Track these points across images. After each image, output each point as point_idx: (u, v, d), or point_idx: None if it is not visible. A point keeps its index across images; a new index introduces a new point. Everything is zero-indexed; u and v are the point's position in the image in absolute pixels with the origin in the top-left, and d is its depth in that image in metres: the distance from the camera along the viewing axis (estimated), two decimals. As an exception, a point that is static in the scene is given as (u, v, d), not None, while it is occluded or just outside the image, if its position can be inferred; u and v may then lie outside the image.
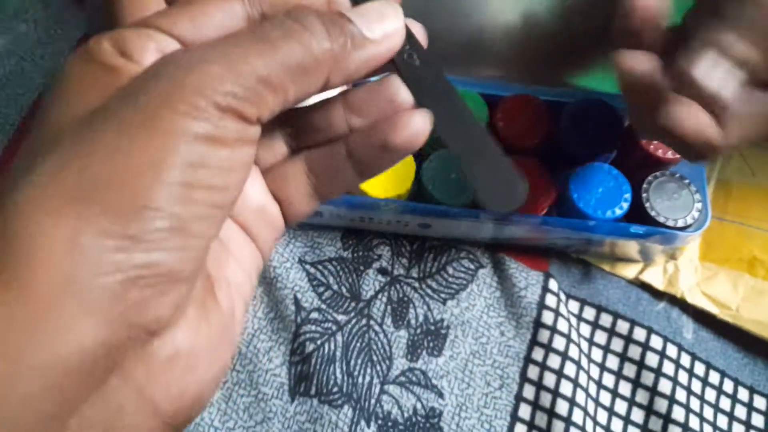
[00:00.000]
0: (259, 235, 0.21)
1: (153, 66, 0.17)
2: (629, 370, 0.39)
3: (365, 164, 0.21)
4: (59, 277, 0.15)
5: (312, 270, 0.39)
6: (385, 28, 0.19)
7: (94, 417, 0.16)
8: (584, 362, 0.38)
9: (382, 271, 0.40)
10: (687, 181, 0.38)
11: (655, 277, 0.41)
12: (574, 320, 0.40)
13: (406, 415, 0.36)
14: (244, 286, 0.20)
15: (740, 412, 0.38)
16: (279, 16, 0.18)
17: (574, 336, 0.38)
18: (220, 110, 0.16)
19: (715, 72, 0.24)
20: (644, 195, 0.38)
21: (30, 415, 0.14)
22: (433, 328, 0.39)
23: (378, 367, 0.38)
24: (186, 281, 0.17)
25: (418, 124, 0.19)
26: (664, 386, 0.37)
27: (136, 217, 0.15)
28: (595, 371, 0.39)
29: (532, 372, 0.38)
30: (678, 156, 0.38)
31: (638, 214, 0.38)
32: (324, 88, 0.18)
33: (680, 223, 0.37)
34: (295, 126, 0.22)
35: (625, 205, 0.37)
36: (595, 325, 0.40)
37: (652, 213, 0.37)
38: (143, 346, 0.17)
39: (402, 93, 0.20)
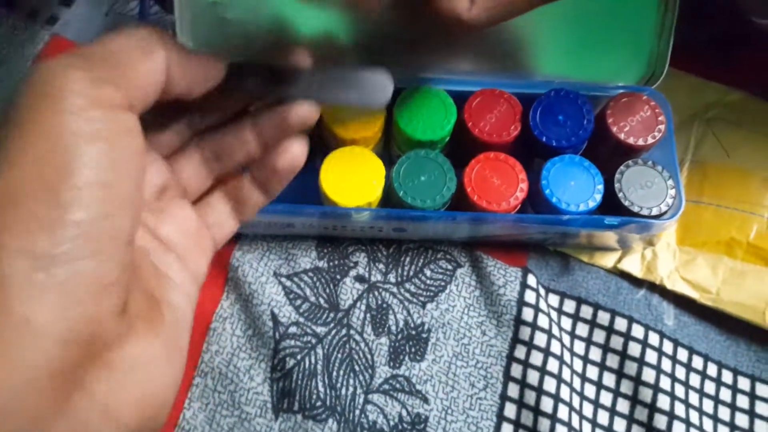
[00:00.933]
0: (193, 261, 0.24)
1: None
2: (612, 360, 0.38)
3: (267, 186, 0.25)
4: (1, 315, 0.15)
5: (288, 283, 0.39)
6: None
7: None
8: (567, 356, 0.38)
9: (360, 279, 0.39)
10: (660, 167, 0.38)
11: (633, 265, 0.40)
12: (554, 314, 0.39)
13: (392, 423, 0.36)
14: (185, 304, 0.22)
15: (725, 394, 0.39)
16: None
17: (555, 331, 0.38)
18: (84, 100, 0.17)
19: None
20: (617, 185, 0.37)
21: None
22: (414, 332, 0.39)
23: (361, 377, 0.37)
24: (116, 285, 0.17)
25: (296, 150, 0.25)
26: (648, 375, 0.37)
27: (41, 234, 0.16)
28: (578, 364, 0.39)
29: (516, 370, 0.38)
30: (650, 142, 0.37)
31: (612, 204, 0.37)
32: (174, 81, 0.20)
33: (655, 211, 0.37)
34: (213, 150, 0.25)
35: (598, 197, 0.37)
36: (576, 317, 0.40)
37: (626, 203, 0.37)
38: (100, 360, 0.17)
39: (291, 116, 0.24)
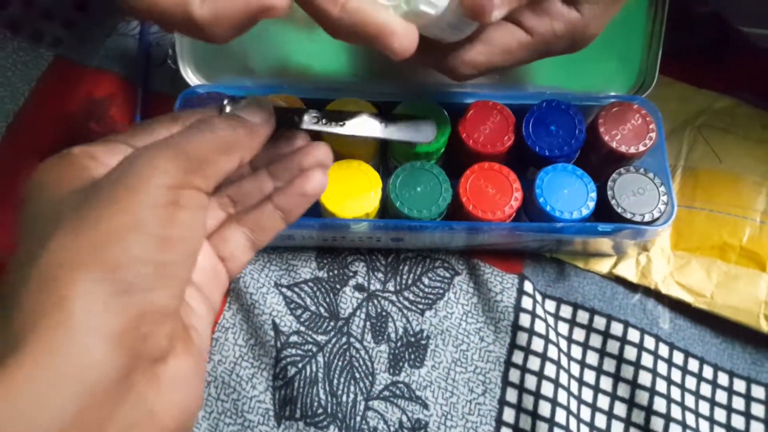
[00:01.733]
0: (210, 293, 0.27)
1: (123, 161, 0.23)
2: (609, 364, 0.39)
3: (289, 211, 0.28)
4: (86, 324, 0.19)
5: (288, 293, 0.40)
6: (262, 115, 0.27)
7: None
8: (564, 361, 0.39)
9: (359, 288, 0.40)
10: (651, 174, 0.38)
11: (628, 270, 0.41)
12: (551, 320, 0.40)
13: (392, 429, 0.37)
14: (205, 330, 0.26)
15: (721, 396, 0.39)
16: (194, 123, 0.25)
17: (552, 336, 0.39)
18: (177, 186, 0.22)
19: None
20: (609, 192, 0.38)
21: (76, 426, 0.19)
22: (413, 339, 0.39)
23: (361, 384, 0.38)
24: (173, 316, 0.22)
25: (320, 178, 0.28)
26: (644, 378, 0.38)
27: (129, 268, 0.20)
28: (575, 369, 0.39)
29: (514, 375, 0.38)
30: (641, 150, 0.38)
31: (606, 211, 0.38)
32: (240, 162, 0.25)
33: (647, 218, 0.37)
34: (231, 196, 0.28)
35: (592, 204, 0.38)
36: (572, 322, 0.40)
37: (619, 210, 0.38)
38: (151, 371, 0.21)
39: (307, 161, 0.29)
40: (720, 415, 0.39)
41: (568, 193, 0.38)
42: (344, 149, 0.38)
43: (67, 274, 0.20)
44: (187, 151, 0.23)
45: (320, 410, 0.37)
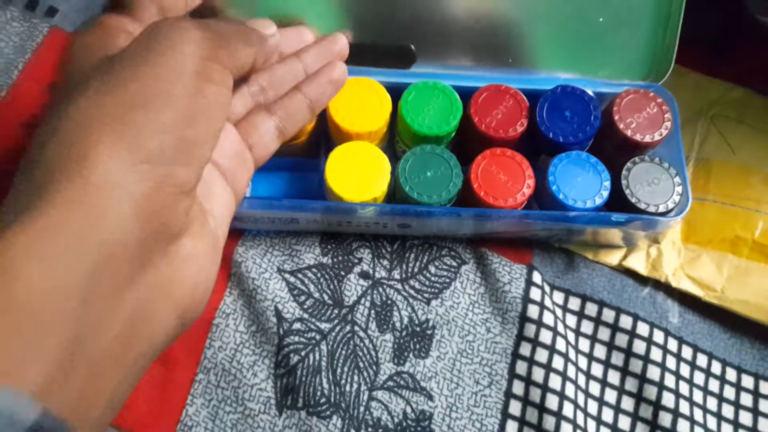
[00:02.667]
0: (235, 178, 0.27)
1: (152, 26, 0.23)
2: (617, 358, 0.38)
3: (317, 100, 0.31)
4: (108, 183, 0.20)
5: (292, 279, 0.39)
6: (272, 29, 0.30)
7: (135, 302, 0.21)
8: (572, 354, 0.38)
9: (364, 275, 0.39)
10: (666, 164, 0.38)
11: (638, 262, 0.40)
12: (559, 311, 0.39)
13: (396, 420, 0.36)
14: (224, 218, 0.26)
15: (729, 392, 0.39)
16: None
17: (560, 328, 0.38)
18: (206, 58, 0.23)
19: None
20: (624, 182, 0.37)
21: (96, 281, 0.19)
22: (418, 329, 0.38)
23: (365, 374, 0.37)
24: (190, 194, 0.23)
25: (343, 66, 0.33)
26: (653, 373, 0.37)
27: (154, 136, 0.21)
28: (583, 362, 0.38)
29: (521, 367, 0.38)
30: (656, 139, 0.37)
31: (619, 200, 0.37)
32: (254, 64, 0.27)
33: (661, 209, 0.37)
34: (262, 85, 0.30)
35: (605, 194, 0.37)
36: (580, 314, 0.40)
37: (633, 200, 0.37)
38: (167, 246, 0.22)
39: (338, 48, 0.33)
40: (728, 410, 0.38)
41: (581, 182, 0.37)
42: (352, 129, 0.37)
43: (91, 133, 0.20)
44: (214, 29, 0.23)
45: (323, 399, 0.36)
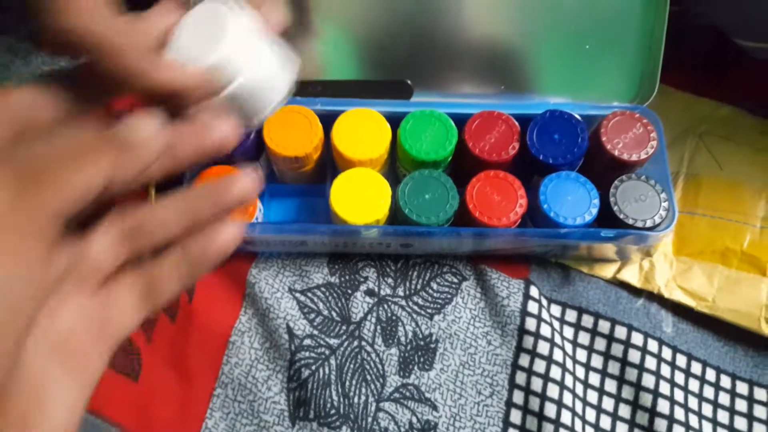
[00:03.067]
0: (83, 361, 0.21)
1: None
2: (613, 367, 0.40)
3: (186, 272, 0.22)
4: None
5: (302, 298, 0.41)
6: (152, 126, 0.20)
7: None
8: (569, 364, 0.40)
9: (370, 293, 0.42)
10: (653, 181, 0.40)
11: (632, 275, 0.42)
12: (557, 324, 0.41)
13: (402, 430, 0.38)
14: (64, 413, 0.20)
15: (723, 398, 0.40)
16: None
17: (557, 339, 0.40)
18: None
19: None
20: (612, 199, 0.39)
21: None
22: (422, 343, 0.40)
23: (372, 386, 0.39)
24: None
25: (232, 232, 0.22)
26: (648, 381, 0.39)
27: None
28: (580, 371, 0.40)
29: (520, 378, 0.39)
30: (643, 158, 0.39)
31: (608, 217, 0.39)
32: (112, 187, 0.19)
33: (649, 223, 0.39)
34: (125, 227, 0.22)
35: (594, 211, 0.39)
36: (577, 326, 0.41)
37: (621, 216, 0.39)
38: None
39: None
40: (723, 416, 0.39)
41: (571, 200, 0.39)
42: (355, 157, 0.39)
43: None
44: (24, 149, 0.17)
45: (333, 411, 0.38)
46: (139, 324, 0.22)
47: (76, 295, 0.21)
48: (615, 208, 0.39)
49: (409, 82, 0.42)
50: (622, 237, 0.39)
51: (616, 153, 0.40)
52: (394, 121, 0.41)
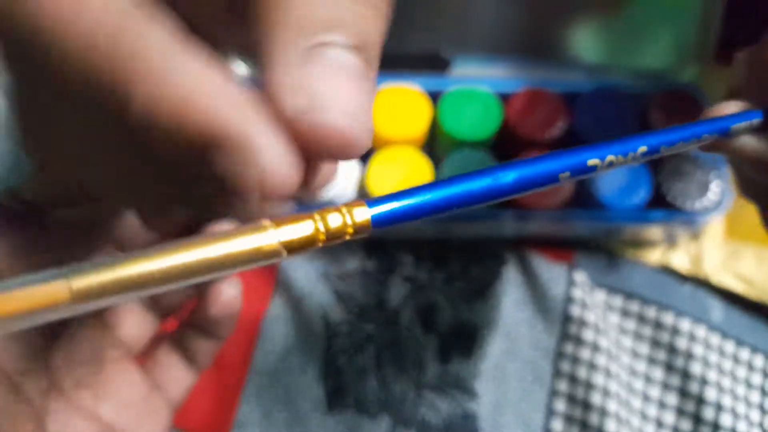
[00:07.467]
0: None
1: None
2: (660, 354, 0.39)
3: (209, 332, 0.23)
4: None
5: (337, 283, 0.40)
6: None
7: None
8: (614, 351, 0.38)
9: (407, 278, 0.40)
10: (705, 161, 0.38)
11: (679, 259, 0.41)
12: (601, 310, 0.40)
13: (443, 417, 0.37)
14: None
15: (773, 386, 0.39)
16: None
17: (602, 326, 0.39)
18: None
19: None
20: (663, 180, 0.38)
21: None
22: (462, 329, 0.39)
23: (411, 374, 0.38)
24: None
25: (230, 293, 0.23)
26: (695, 368, 0.38)
27: None
28: (626, 358, 0.39)
29: (564, 365, 0.38)
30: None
31: (659, 199, 0.38)
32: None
33: (698, 206, 0.37)
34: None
35: (645, 192, 0.37)
36: (622, 312, 0.40)
37: (672, 198, 0.37)
38: None
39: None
40: (772, 404, 0.38)
41: (620, 181, 0.37)
42: (392, 135, 0.38)
43: None
44: None
45: (371, 398, 0.37)
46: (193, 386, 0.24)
47: (119, 375, 0.22)
48: (666, 190, 0.37)
49: (443, 55, 0.40)
50: (672, 220, 0.37)
51: (666, 132, 0.38)
52: (434, 98, 0.39)
